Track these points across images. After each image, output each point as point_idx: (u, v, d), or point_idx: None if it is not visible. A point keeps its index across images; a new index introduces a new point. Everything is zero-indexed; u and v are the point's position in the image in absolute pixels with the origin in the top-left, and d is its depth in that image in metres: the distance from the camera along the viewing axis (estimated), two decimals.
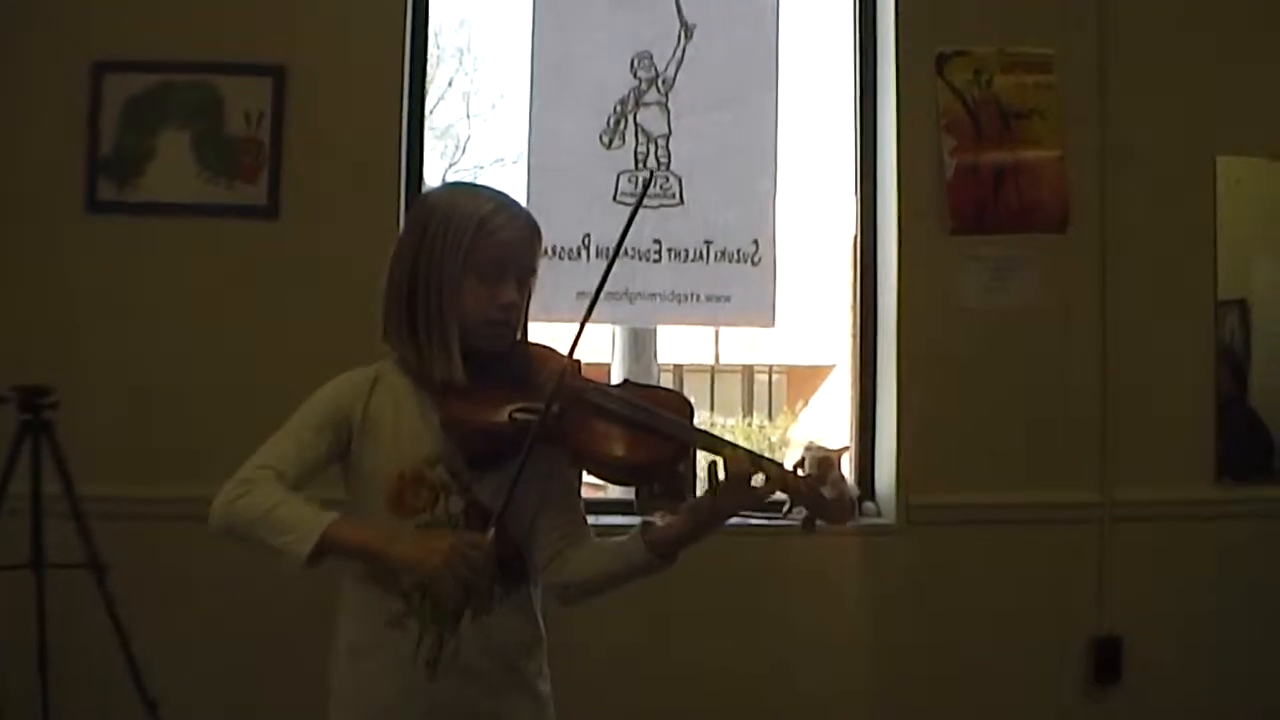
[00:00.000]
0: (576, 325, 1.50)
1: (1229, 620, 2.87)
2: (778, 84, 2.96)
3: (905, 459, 2.87)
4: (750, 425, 11.68)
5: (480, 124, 9.82)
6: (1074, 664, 2.88)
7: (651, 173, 2.88)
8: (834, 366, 9.94)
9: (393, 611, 1.47)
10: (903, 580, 2.84)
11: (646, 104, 2.91)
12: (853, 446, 3.02)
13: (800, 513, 1.44)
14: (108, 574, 2.40)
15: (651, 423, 1.45)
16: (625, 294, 2.84)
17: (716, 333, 9.36)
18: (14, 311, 2.68)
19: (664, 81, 2.91)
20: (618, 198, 2.88)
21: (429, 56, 2.98)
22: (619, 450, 1.45)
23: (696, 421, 1.49)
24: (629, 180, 2.88)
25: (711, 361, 12.45)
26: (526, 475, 1.39)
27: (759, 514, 1.47)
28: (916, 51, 2.90)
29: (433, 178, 5.07)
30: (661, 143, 2.91)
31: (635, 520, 1.51)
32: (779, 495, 1.43)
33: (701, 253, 2.89)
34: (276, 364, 2.53)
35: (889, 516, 2.89)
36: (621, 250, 1.56)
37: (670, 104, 2.91)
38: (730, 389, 13.73)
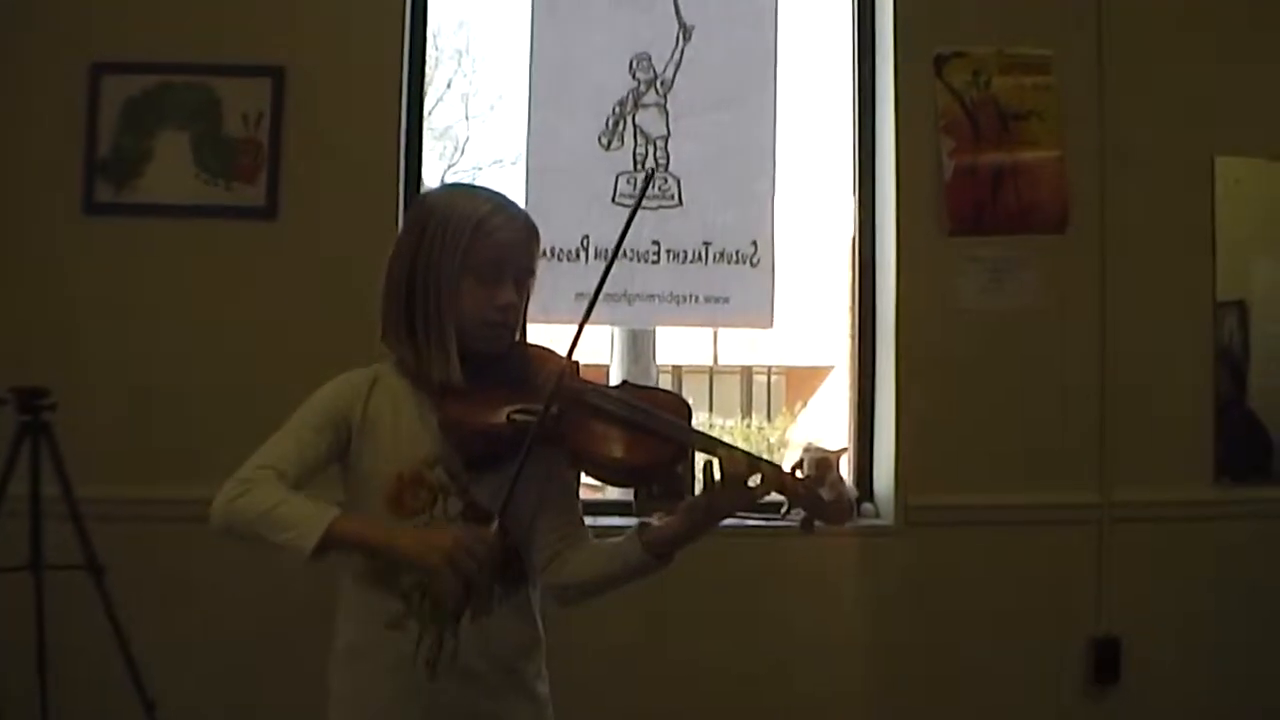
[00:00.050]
0: (575, 326, 1.49)
1: (1228, 620, 2.87)
2: (776, 85, 2.95)
3: (904, 460, 2.87)
4: (749, 426, 11.69)
5: (479, 125, 9.85)
6: (1073, 664, 2.88)
7: (651, 170, 2.87)
8: (832, 367, 9.94)
9: (392, 612, 1.47)
10: (901, 581, 2.84)
11: (645, 105, 2.91)
12: (851, 447, 3.01)
13: (799, 514, 1.44)
14: (106, 575, 2.40)
15: (650, 424, 1.45)
16: (624, 295, 2.84)
17: (715, 334, 9.34)
18: (12, 313, 2.68)
19: (663, 83, 2.91)
20: (616, 199, 2.87)
21: (428, 58, 2.98)
22: (617, 452, 1.45)
23: (695, 423, 1.49)
24: (628, 181, 2.88)
25: (710, 363, 12.45)
26: (525, 476, 1.39)
27: (757, 515, 1.47)
28: (915, 52, 2.90)
29: (431, 179, 5.06)
30: (660, 144, 2.91)
31: (634, 522, 1.51)
32: (777, 496, 1.43)
33: (700, 254, 2.89)
34: (275, 365, 2.53)
35: (887, 517, 2.89)
36: (620, 251, 1.55)
37: (669, 105, 2.91)
38: (729, 390, 13.74)
